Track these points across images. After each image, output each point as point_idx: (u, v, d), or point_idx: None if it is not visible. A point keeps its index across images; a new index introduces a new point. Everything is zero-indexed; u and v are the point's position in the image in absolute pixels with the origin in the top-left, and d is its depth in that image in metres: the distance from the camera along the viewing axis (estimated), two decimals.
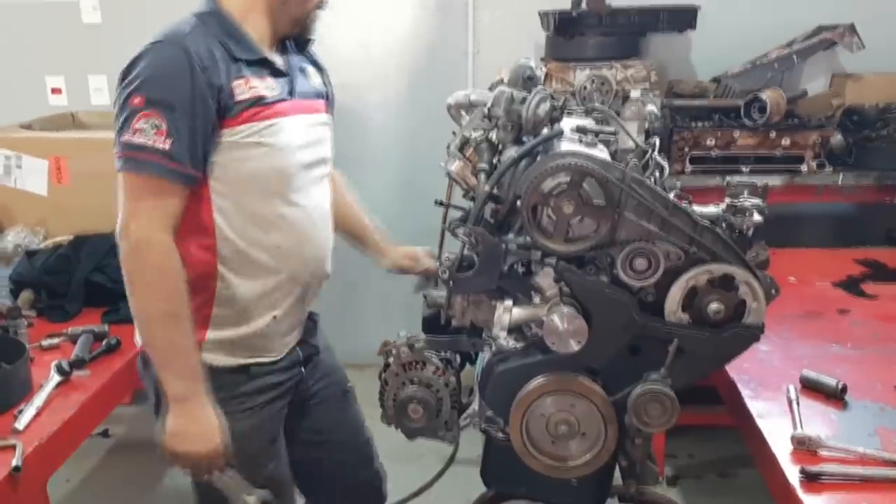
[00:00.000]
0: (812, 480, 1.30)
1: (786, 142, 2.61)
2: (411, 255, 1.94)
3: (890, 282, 2.22)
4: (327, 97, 1.71)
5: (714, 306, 1.30)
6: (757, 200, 1.37)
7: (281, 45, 1.56)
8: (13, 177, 2.50)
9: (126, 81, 1.36)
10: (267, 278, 1.49)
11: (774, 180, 2.64)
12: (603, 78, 2.66)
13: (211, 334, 1.48)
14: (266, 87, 1.45)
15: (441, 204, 1.60)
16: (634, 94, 2.62)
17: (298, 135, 1.50)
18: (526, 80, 1.51)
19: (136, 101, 1.33)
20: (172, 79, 1.34)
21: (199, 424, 1.38)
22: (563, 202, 1.28)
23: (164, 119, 1.32)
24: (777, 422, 1.50)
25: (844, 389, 1.55)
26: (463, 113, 1.60)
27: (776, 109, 2.58)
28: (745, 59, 2.94)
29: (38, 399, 1.61)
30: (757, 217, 1.36)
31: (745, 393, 1.62)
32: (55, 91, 3.40)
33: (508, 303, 1.34)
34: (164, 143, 1.32)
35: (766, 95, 2.59)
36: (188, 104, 1.34)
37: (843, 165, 2.67)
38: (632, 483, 1.42)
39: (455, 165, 1.47)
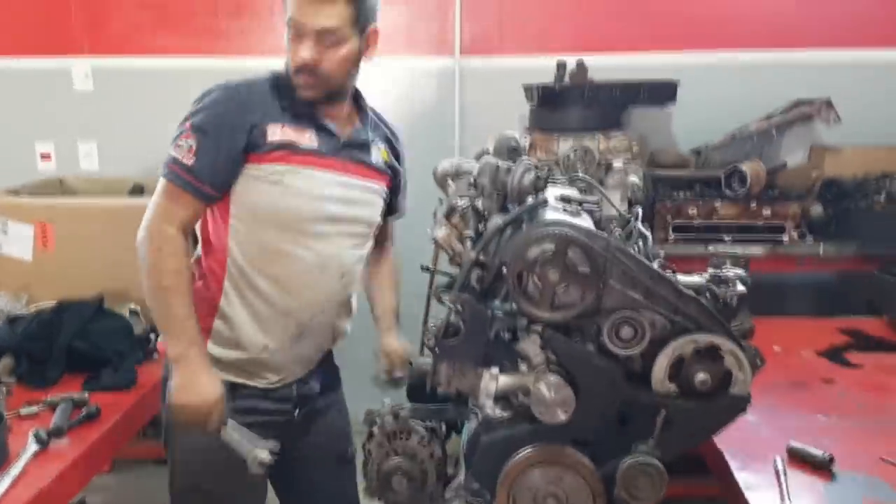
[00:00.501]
0: None
1: (767, 212, 2.66)
2: (391, 353, 1.97)
3: (873, 351, 2.23)
4: (388, 172, 1.88)
5: (700, 376, 1.30)
6: (740, 271, 1.39)
7: (363, 116, 1.82)
8: None
9: (191, 107, 1.63)
10: (262, 305, 1.68)
11: (756, 250, 2.67)
12: (586, 148, 2.73)
13: (210, 346, 1.68)
14: (301, 137, 1.66)
15: (427, 270, 1.60)
16: (617, 164, 2.69)
17: (326, 187, 1.69)
18: (510, 151, 1.54)
19: (187, 124, 1.60)
20: (212, 110, 1.60)
21: (197, 379, 1.57)
22: (549, 270, 1.28)
23: (196, 141, 1.57)
24: (765, 494, 1.48)
25: (832, 461, 1.54)
26: (449, 181, 1.62)
27: (756, 180, 2.64)
28: (725, 132, 3.02)
29: (15, 469, 1.57)
30: (740, 287, 1.37)
31: (733, 464, 1.60)
32: (44, 157, 3.42)
33: (495, 370, 1.33)
34: (189, 160, 1.57)
35: (746, 167, 2.65)
36: (217, 133, 1.59)
37: (823, 236, 2.71)
38: None
39: (442, 232, 1.48)
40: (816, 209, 2.68)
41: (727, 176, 2.68)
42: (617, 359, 1.33)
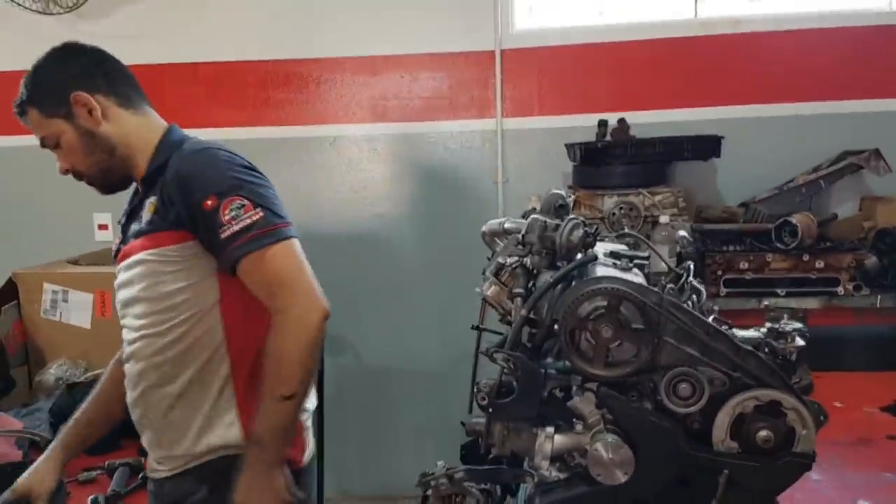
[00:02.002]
0: None
1: (819, 264, 2.61)
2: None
3: None
4: (154, 227, 1.56)
5: (763, 434, 1.26)
6: (798, 324, 1.36)
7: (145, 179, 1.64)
8: (59, 311, 2.56)
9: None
10: None
11: (811, 303, 2.61)
12: (631, 204, 2.73)
13: None
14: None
15: (476, 328, 1.60)
16: (663, 219, 2.68)
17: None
18: (557, 209, 1.55)
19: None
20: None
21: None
22: (602, 326, 1.28)
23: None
24: None
25: None
26: (496, 240, 1.63)
27: (807, 232, 2.60)
28: (771, 185, 2.99)
29: None
30: (799, 341, 1.35)
31: None
32: (102, 227, 3.55)
33: (550, 430, 1.31)
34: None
35: (796, 219, 2.62)
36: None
37: (879, 287, 2.64)
38: None
39: (491, 290, 1.48)
40: (871, 260, 2.62)
41: (777, 228, 2.65)
42: (675, 416, 1.30)
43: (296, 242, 1.53)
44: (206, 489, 1.57)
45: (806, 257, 2.62)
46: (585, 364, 1.29)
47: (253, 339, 1.55)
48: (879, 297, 2.59)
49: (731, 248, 2.68)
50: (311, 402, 1.69)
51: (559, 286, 1.37)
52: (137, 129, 1.62)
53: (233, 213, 1.45)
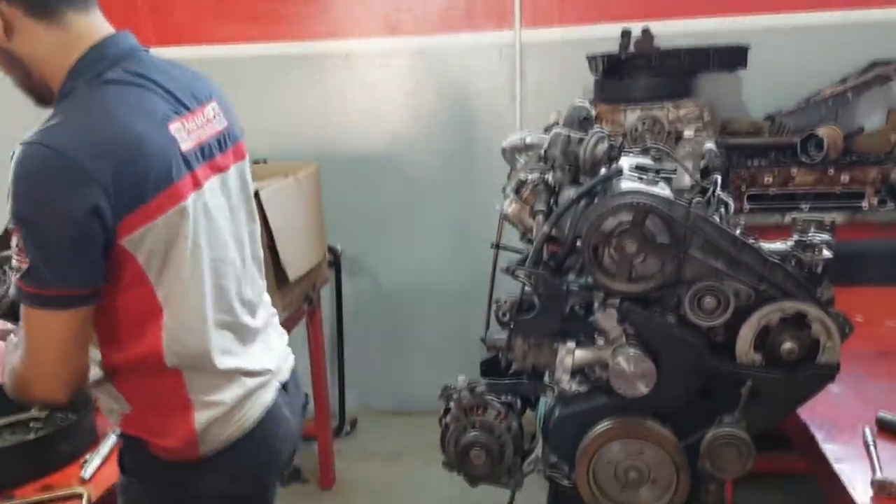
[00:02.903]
0: None
1: (845, 178, 2.56)
2: None
3: None
4: None
5: (787, 346, 1.26)
6: (826, 236, 1.34)
7: None
8: None
9: None
10: None
11: (835, 217, 2.57)
12: (654, 118, 2.67)
13: None
14: None
15: (495, 247, 1.59)
16: (688, 133, 2.62)
17: None
18: (582, 122, 1.51)
19: None
20: None
21: None
22: (626, 241, 1.26)
23: None
24: (855, 466, 1.43)
25: None
26: (517, 156, 1.60)
27: (833, 146, 2.53)
28: (797, 98, 2.91)
29: (104, 448, 1.63)
30: (826, 253, 1.33)
31: (819, 436, 1.55)
32: None
33: (571, 345, 1.32)
34: None
35: (822, 132, 2.55)
36: None
37: None
38: None
39: (512, 207, 1.46)
40: None
41: (803, 142, 2.59)
42: (699, 330, 1.30)
43: (52, 316, 1.21)
44: None
45: (831, 171, 2.56)
46: (608, 280, 1.28)
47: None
48: None
49: (755, 162, 2.63)
50: (226, 395, 1.40)
51: (582, 202, 1.35)
52: (52, 48, 1.27)
53: (15, 245, 1.21)
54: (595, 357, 1.31)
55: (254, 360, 1.46)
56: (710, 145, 1.71)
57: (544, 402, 1.45)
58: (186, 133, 1.32)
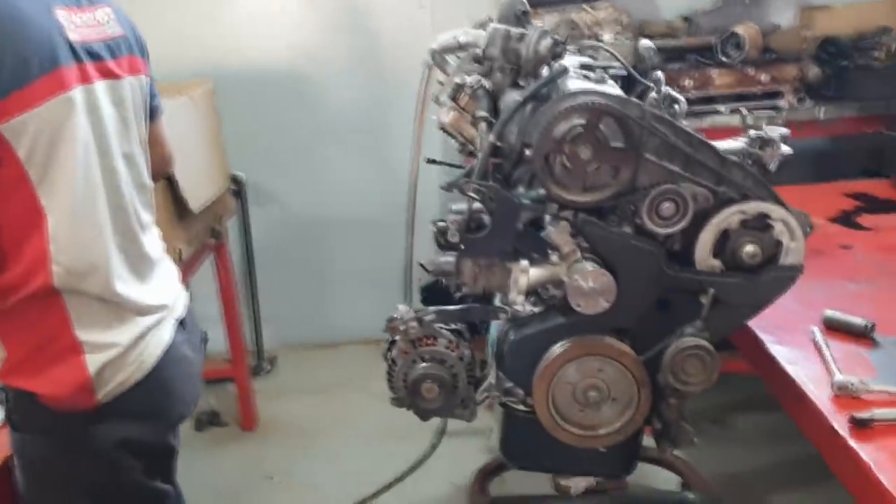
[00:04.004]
0: (863, 427, 1.21)
1: (765, 78, 2.53)
2: None
3: (883, 213, 2.15)
4: None
5: (749, 249, 1.20)
6: (784, 130, 1.27)
7: None
8: None
9: None
10: None
11: (754, 119, 2.55)
12: (573, 22, 2.55)
13: None
14: None
15: (433, 162, 1.46)
16: (607, 37, 2.52)
17: None
18: (519, 17, 1.38)
19: None
20: None
21: None
22: (580, 147, 1.15)
23: None
24: (808, 367, 1.40)
25: (873, 328, 1.47)
26: (449, 59, 1.45)
27: (753, 45, 2.50)
28: None
29: None
30: (785, 148, 1.26)
31: (767, 339, 1.52)
32: None
33: (525, 263, 1.21)
34: None
35: (741, 31, 2.50)
36: None
37: (822, 99, 2.60)
38: (667, 446, 1.32)
39: (450, 116, 1.33)
40: (814, 71, 2.56)
41: (722, 41, 2.53)
42: (655, 239, 1.22)
43: None
44: None
45: (751, 71, 2.52)
46: (562, 190, 1.17)
47: None
48: (823, 108, 2.55)
49: (674, 65, 2.56)
50: (119, 336, 1.27)
51: (528, 106, 1.23)
52: None
53: None
54: (550, 275, 1.22)
55: (150, 294, 1.34)
56: (647, 42, 1.61)
57: (495, 326, 1.35)
58: (73, 25, 1.19)
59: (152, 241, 1.39)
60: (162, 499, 1.39)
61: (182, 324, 1.41)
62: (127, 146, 1.29)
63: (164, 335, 1.34)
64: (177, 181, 2.07)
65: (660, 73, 1.44)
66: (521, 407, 1.30)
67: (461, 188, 1.16)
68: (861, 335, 1.47)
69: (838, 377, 1.32)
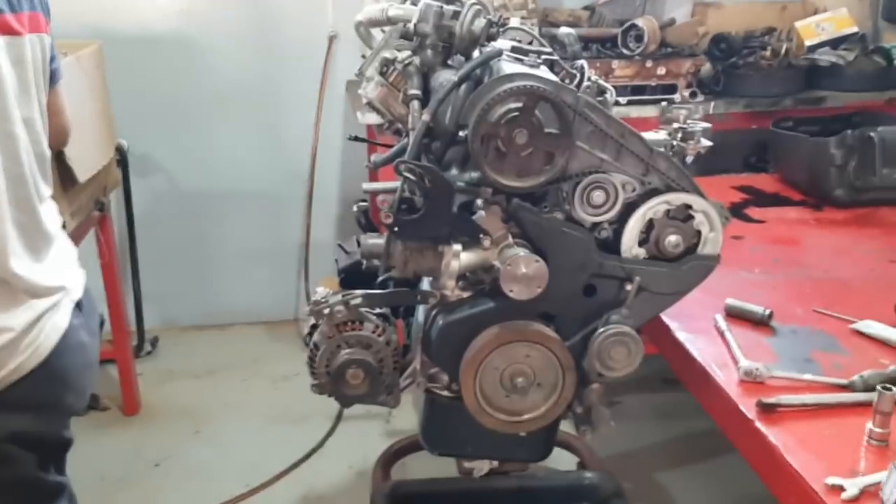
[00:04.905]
0: (769, 411, 1.27)
1: (661, 71, 2.61)
2: None
3: (771, 206, 2.27)
4: None
5: (673, 239, 1.23)
6: (706, 124, 1.31)
7: None
8: None
9: None
10: None
11: (649, 111, 2.63)
12: (480, 4, 2.53)
13: None
14: None
15: (356, 139, 1.41)
16: (514, 21, 2.51)
17: None
18: None
19: None
20: None
21: None
22: (516, 131, 1.14)
23: None
24: (715, 353, 1.46)
25: (771, 316, 1.55)
26: (373, 32, 1.40)
27: (653, 38, 2.57)
28: None
29: None
30: (706, 142, 1.30)
31: (673, 325, 1.58)
32: None
33: (457, 247, 1.19)
34: None
35: (642, 23, 2.56)
36: None
37: (711, 94, 2.71)
38: (587, 430, 1.34)
39: (378, 92, 1.28)
40: (706, 66, 2.67)
41: (624, 32, 2.59)
42: (583, 226, 1.23)
43: None
44: None
45: (649, 63, 2.60)
46: (497, 175, 1.16)
47: None
48: (713, 103, 2.66)
49: None
50: (12, 319, 1.19)
51: (462, 87, 1.20)
52: None
53: None
54: (481, 259, 1.20)
55: (47, 273, 1.24)
56: (568, 29, 1.62)
57: (421, 310, 1.32)
58: None
59: (50, 215, 1.27)
60: (57, 493, 1.29)
61: (79, 306, 1.30)
62: (27, 110, 1.17)
63: (61, 320, 1.24)
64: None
65: (583, 62, 1.45)
66: (446, 393, 1.28)
67: (396, 168, 1.12)
68: (760, 322, 1.55)
69: (743, 363, 1.38)
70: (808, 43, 2.85)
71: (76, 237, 2.25)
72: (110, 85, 2.51)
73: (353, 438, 2.52)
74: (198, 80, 3.05)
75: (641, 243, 1.24)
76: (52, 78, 1.32)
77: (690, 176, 1.26)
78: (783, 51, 2.75)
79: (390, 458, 2.13)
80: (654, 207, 1.22)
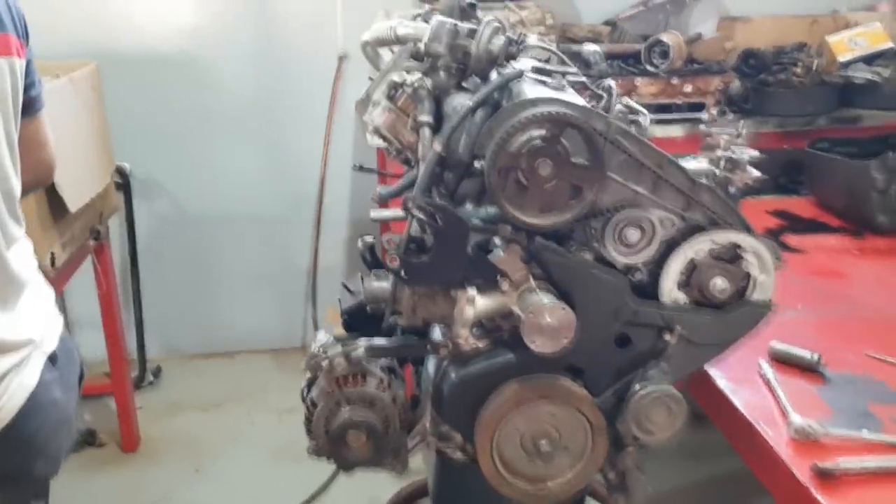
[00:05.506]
0: (827, 478, 1.12)
1: (688, 88, 2.47)
2: None
3: (808, 233, 2.12)
4: None
5: (719, 282, 1.08)
6: (753, 152, 1.16)
7: None
8: None
9: None
10: None
11: (675, 131, 2.49)
12: (497, 21, 2.40)
13: None
14: None
15: (361, 169, 1.27)
16: (532, 38, 2.39)
17: None
18: (465, 10, 1.21)
19: None
20: None
21: None
22: (540, 162, 1.00)
23: None
24: (759, 404, 1.31)
25: (820, 361, 1.39)
26: (381, 52, 1.27)
27: (679, 54, 2.43)
28: (632, 2, 2.78)
29: None
30: (756, 172, 1.16)
31: (712, 371, 1.42)
32: None
33: (472, 292, 1.05)
34: None
35: (668, 39, 2.43)
36: None
37: (740, 112, 2.57)
38: (619, 497, 1.19)
39: (385, 117, 1.15)
40: (735, 84, 2.52)
41: (648, 49, 2.45)
42: (615, 268, 1.09)
43: None
44: None
45: (675, 80, 2.46)
46: (518, 211, 1.02)
47: None
48: (742, 122, 2.50)
49: None
50: None
51: (478, 113, 1.06)
52: None
53: None
54: (498, 305, 1.06)
55: (15, 326, 1.12)
56: (594, 47, 1.48)
57: (431, 361, 1.18)
58: None
59: (21, 258, 1.14)
60: None
61: (52, 359, 1.17)
62: None
63: (29, 377, 1.11)
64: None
65: (611, 82, 1.31)
66: (459, 454, 1.14)
67: (404, 205, 0.98)
68: (808, 369, 1.40)
69: (794, 418, 1.23)
70: (840, 59, 2.71)
71: (70, 267, 2.13)
72: (113, 106, 2.41)
73: (360, 479, 2.36)
74: (204, 101, 2.94)
75: (682, 287, 1.10)
76: (32, 106, 1.20)
77: (738, 210, 1.11)
78: (814, 67, 2.61)
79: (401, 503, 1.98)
80: (696, 246, 1.08)
